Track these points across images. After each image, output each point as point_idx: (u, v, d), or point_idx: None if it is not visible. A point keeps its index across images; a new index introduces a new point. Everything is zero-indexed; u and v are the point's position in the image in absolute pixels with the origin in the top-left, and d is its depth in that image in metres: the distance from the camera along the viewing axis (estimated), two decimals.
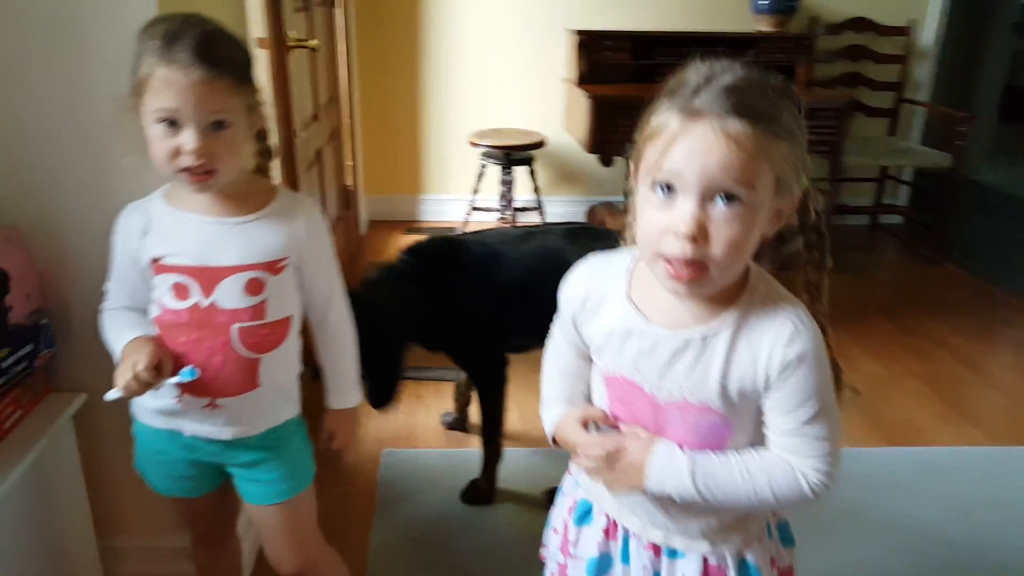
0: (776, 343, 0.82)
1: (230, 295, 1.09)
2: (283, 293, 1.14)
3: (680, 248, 0.77)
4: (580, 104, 3.32)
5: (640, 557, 0.97)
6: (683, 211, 0.77)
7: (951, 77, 4.32)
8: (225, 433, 1.16)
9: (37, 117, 1.30)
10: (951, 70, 4.30)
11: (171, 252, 1.09)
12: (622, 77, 3.60)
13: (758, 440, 0.89)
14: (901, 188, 4.25)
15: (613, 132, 3.17)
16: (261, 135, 1.19)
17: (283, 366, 1.18)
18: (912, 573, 1.75)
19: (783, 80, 0.81)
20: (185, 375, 1.09)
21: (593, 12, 3.78)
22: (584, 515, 1.03)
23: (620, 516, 0.98)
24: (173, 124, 1.00)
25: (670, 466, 0.86)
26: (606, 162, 3.53)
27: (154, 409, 1.17)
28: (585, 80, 3.53)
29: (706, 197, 0.76)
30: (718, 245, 0.77)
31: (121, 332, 1.13)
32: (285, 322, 1.15)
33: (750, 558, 0.95)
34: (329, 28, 3.07)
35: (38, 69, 1.27)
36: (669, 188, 0.78)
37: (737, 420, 0.87)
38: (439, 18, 3.75)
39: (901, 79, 3.91)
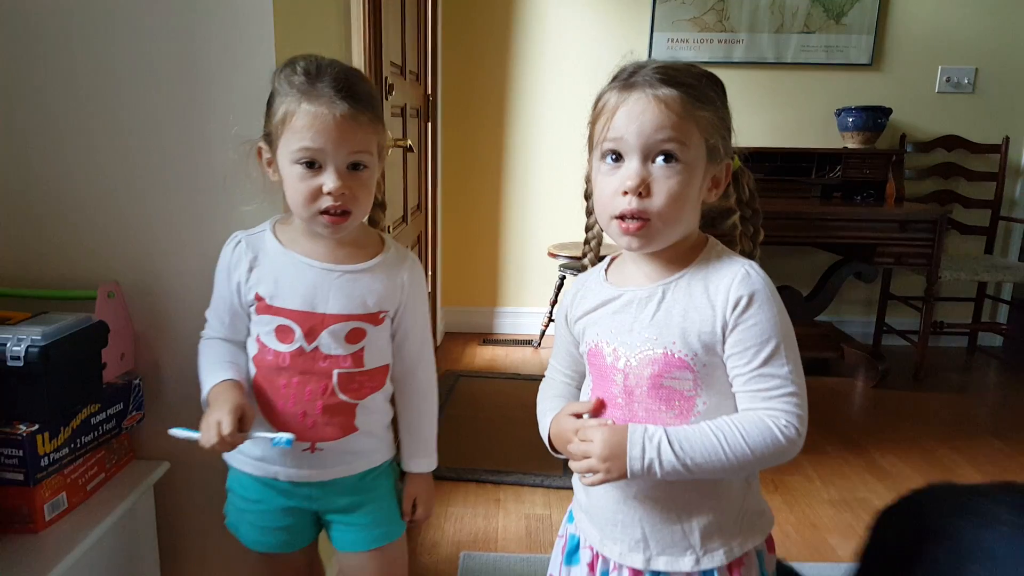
0: (731, 285, 0.90)
1: (332, 342, 1.09)
2: (381, 343, 1.14)
3: (627, 203, 0.89)
4: None
5: None
6: (629, 170, 0.90)
7: None
8: (325, 475, 1.13)
9: (142, 177, 1.33)
10: None
11: (278, 294, 1.09)
12: None
13: (725, 410, 0.91)
14: (1000, 308, 4.06)
15: None
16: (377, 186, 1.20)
17: (379, 412, 1.18)
18: None
19: (708, 71, 0.94)
20: (281, 442, 1.05)
21: None
22: (572, 552, 1.07)
23: (602, 547, 1.00)
24: (312, 165, 1.02)
25: (648, 439, 0.88)
26: None
27: (254, 457, 1.14)
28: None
29: (647, 157, 0.89)
30: (659, 198, 0.89)
31: (212, 369, 1.11)
32: (383, 370, 1.15)
33: None
34: (421, 138, 3.18)
35: (145, 135, 1.31)
36: (616, 155, 0.91)
37: (703, 375, 0.91)
38: (521, 132, 3.86)
39: (996, 196, 3.80)
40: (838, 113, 3.74)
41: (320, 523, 1.22)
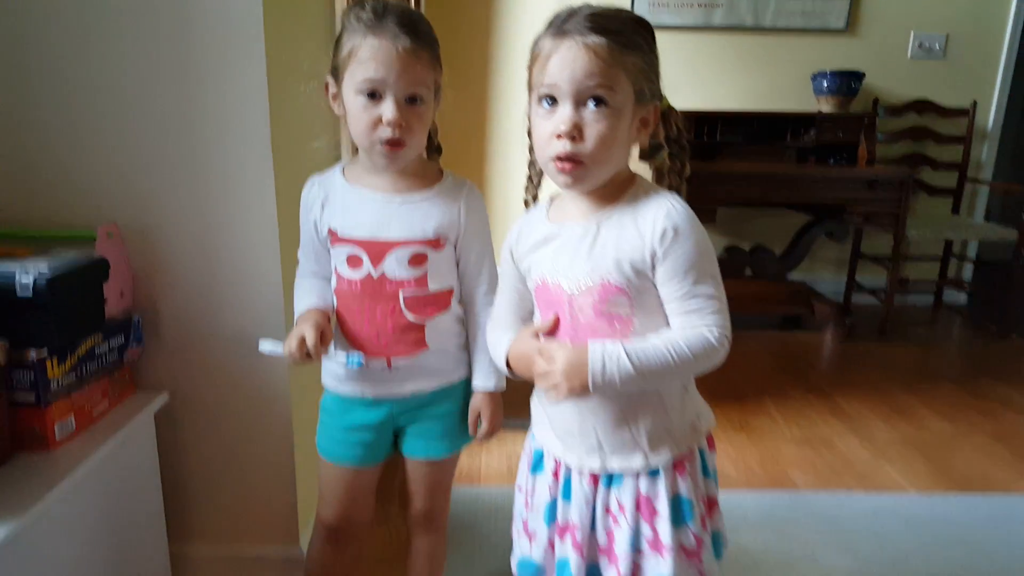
0: (657, 217, 0.98)
1: (396, 266, 1.20)
2: (443, 267, 1.24)
3: (562, 146, 0.97)
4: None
5: (580, 490, 1.09)
6: (562, 115, 0.97)
7: (1014, 157, 4.32)
8: (403, 390, 1.27)
9: (140, 123, 1.40)
10: (1013, 150, 4.30)
11: (347, 225, 1.21)
12: None
13: (656, 325, 1.01)
14: (966, 267, 4.20)
15: None
16: (431, 131, 1.29)
17: (448, 331, 1.28)
18: None
19: (638, 16, 1.01)
20: (353, 361, 1.22)
21: None
22: (537, 463, 1.17)
23: (564, 455, 1.11)
24: (373, 96, 1.12)
25: (607, 354, 0.97)
26: None
27: (342, 380, 1.28)
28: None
29: (579, 102, 0.96)
30: (591, 140, 0.97)
31: (301, 299, 1.28)
32: (447, 293, 1.26)
33: (683, 492, 1.06)
34: None
35: (142, 80, 1.38)
36: (552, 99, 0.98)
37: (637, 298, 1.01)
38: (504, 101, 3.92)
39: (963, 159, 3.92)
40: (813, 77, 3.83)
41: (396, 443, 1.35)
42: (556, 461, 1.13)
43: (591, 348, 0.98)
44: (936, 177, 3.97)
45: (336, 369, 1.29)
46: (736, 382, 3.00)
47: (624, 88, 0.97)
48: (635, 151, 1.08)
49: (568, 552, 1.11)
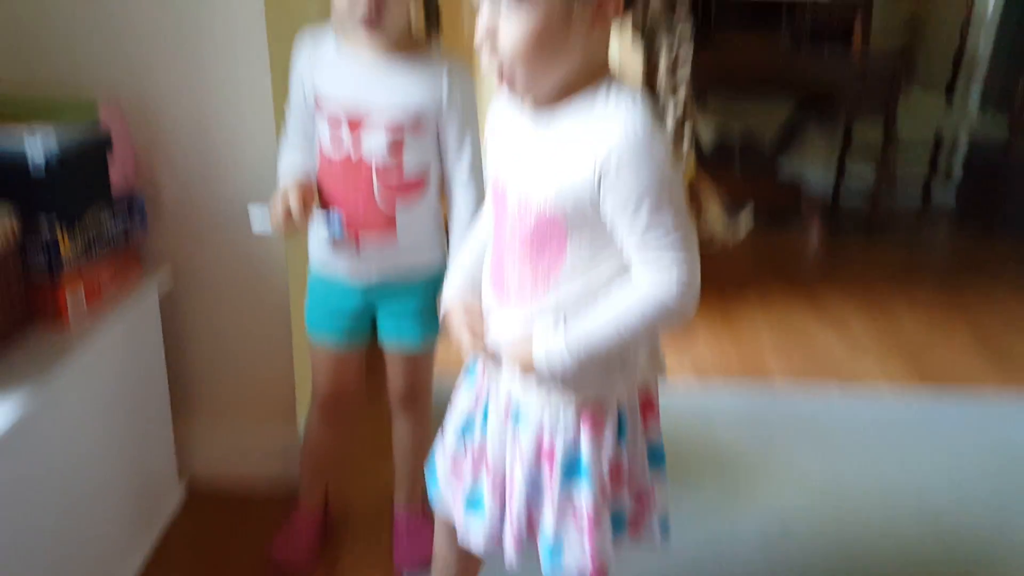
0: (608, 132, 0.82)
1: (375, 150, 1.23)
2: (421, 152, 1.27)
3: (485, 56, 0.83)
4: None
5: (496, 417, 1.01)
6: (479, 21, 0.83)
7: (1013, 47, 4.25)
8: (372, 274, 1.32)
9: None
10: (1013, 39, 4.23)
11: (330, 85, 1.25)
12: None
13: (595, 265, 0.89)
14: (956, 164, 4.20)
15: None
16: (432, 5, 1.31)
17: (420, 219, 1.31)
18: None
19: None
20: (333, 219, 1.26)
21: None
22: (469, 370, 1.10)
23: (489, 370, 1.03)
24: None
25: (549, 350, 0.89)
26: None
27: (320, 259, 1.35)
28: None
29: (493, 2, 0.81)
30: (504, 45, 0.81)
31: (285, 172, 1.32)
32: (421, 180, 1.28)
33: (583, 449, 0.96)
34: None
35: None
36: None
37: (572, 230, 0.87)
38: None
39: (959, 49, 3.87)
40: None
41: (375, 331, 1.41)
42: (483, 374, 1.06)
43: (534, 346, 0.91)
44: (931, 69, 3.93)
45: (317, 252, 1.34)
46: (718, 272, 3.03)
47: None
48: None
49: (484, 489, 1.04)
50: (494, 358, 0.98)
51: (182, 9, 1.40)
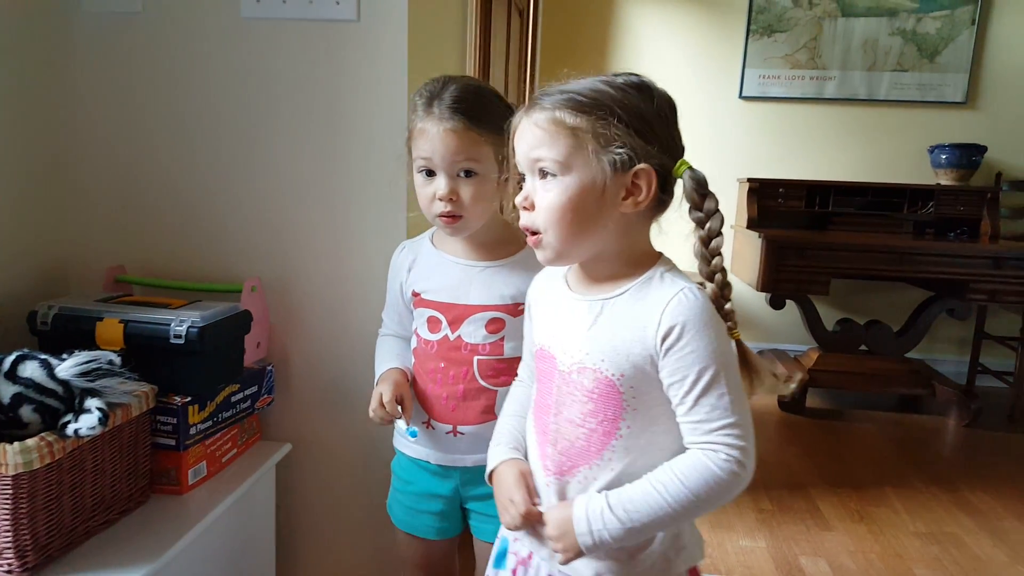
0: (665, 309, 0.87)
1: (473, 331, 1.21)
2: (520, 333, 1.22)
3: (523, 219, 0.94)
4: (751, 244, 3.35)
5: None
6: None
7: None
8: (467, 460, 1.24)
9: (286, 186, 1.50)
10: None
11: (429, 288, 1.24)
12: (794, 224, 3.64)
13: (651, 436, 0.90)
14: None
15: (785, 272, 3.17)
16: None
17: None
18: None
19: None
20: (411, 432, 1.26)
21: (770, 163, 3.89)
22: (500, 557, 1.07)
23: (534, 548, 1.00)
24: (431, 174, 1.16)
25: (590, 512, 0.88)
26: (776, 304, 3.49)
27: (411, 441, 1.28)
28: (754, 225, 3.59)
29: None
30: (539, 209, 0.91)
31: (383, 359, 1.31)
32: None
33: None
34: None
35: (291, 148, 1.48)
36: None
37: (629, 398, 0.89)
38: None
39: None
40: (931, 150, 3.73)
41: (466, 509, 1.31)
42: (517, 558, 1.03)
43: (575, 507, 0.89)
44: None
45: (403, 430, 1.30)
46: (853, 467, 2.85)
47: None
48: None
49: None
50: (538, 535, 0.95)
51: (335, 207, 1.49)
